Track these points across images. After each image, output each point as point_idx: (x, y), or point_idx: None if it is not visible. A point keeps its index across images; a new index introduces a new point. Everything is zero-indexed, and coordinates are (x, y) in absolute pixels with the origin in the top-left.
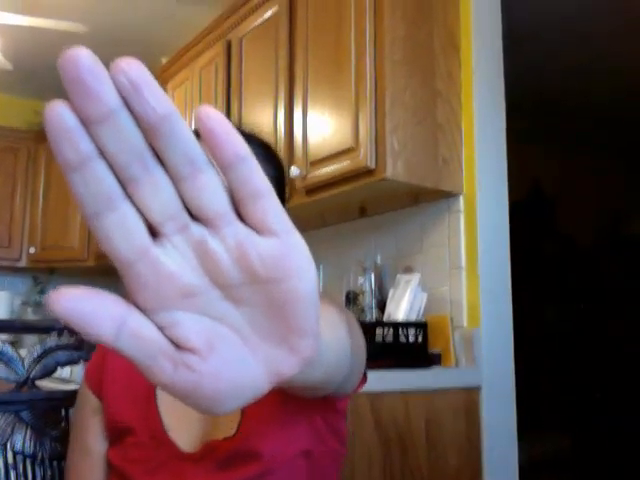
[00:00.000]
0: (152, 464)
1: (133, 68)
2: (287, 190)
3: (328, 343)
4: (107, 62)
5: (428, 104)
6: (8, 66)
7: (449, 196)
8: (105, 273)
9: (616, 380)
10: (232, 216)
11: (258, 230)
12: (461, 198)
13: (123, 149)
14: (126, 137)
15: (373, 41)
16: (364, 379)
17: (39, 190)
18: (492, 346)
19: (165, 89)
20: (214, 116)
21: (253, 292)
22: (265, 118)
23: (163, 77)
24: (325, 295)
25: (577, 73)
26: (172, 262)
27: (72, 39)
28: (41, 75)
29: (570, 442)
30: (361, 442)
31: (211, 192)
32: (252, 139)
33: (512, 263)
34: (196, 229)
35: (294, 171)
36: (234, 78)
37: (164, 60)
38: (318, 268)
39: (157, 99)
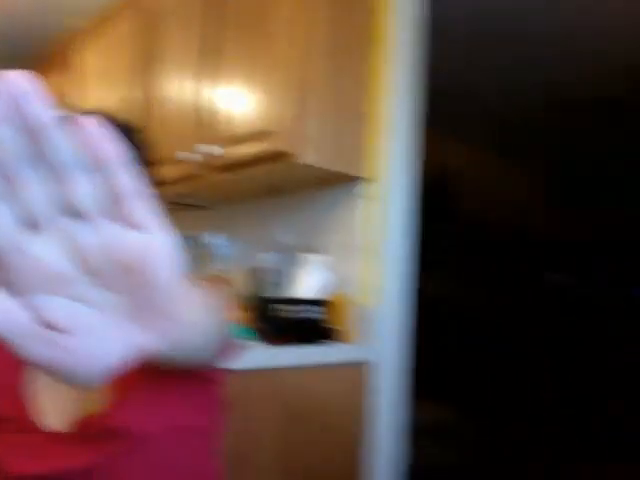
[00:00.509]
0: (23, 449)
1: (17, 83)
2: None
3: (197, 325)
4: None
5: (345, 90)
6: None
7: (358, 180)
8: None
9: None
10: (103, 213)
11: (127, 226)
12: (369, 183)
13: (2, 151)
14: (6, 142)
15: (294, 23)
16: (234, 353)
17: None
18: (391, 325)
19: (84, 54)
20: (90, 124)
21: (119, 279)
22: (186, 94)
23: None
24: (195, 280)
25: (500, 71)
26: (42, 252)
27: None
28: None
29: (455, 413)
30: (257, 416)
31: (82, 192)
32: (113, 122)
33: (421, 246)
34: (69, 224)
35: (212, 149)
36: (156, 50)
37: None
38: (232, 244)
39: (38, 112)
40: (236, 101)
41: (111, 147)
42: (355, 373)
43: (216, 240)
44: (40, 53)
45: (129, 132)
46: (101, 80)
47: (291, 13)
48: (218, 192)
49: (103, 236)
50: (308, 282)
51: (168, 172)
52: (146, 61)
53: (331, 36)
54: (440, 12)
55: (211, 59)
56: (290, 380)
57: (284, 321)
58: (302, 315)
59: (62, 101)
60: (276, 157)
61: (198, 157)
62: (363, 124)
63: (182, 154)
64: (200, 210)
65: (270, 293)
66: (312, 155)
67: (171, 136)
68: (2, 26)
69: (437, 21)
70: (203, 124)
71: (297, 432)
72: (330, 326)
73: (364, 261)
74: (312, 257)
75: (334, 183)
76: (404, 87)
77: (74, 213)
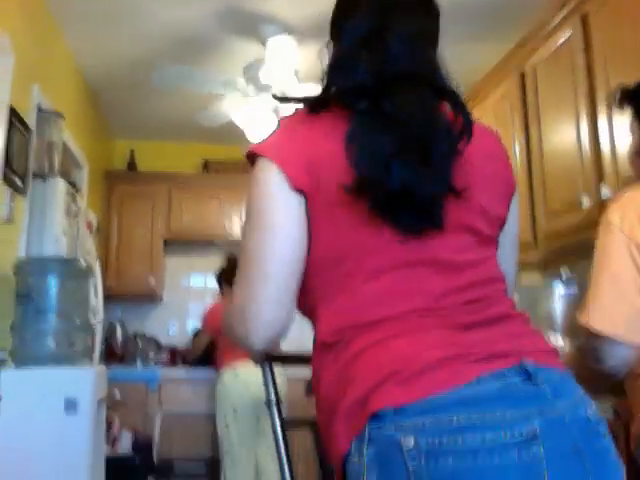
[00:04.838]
0: None
1: None
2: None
3: None
4: None
5: None
6: None
7: None
8: None
9: None
10: None
11: None
12: None
13: None
14: None
15: None
16: None
17: None
18: None
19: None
20: None
21: None
22: (567, 141)
23: None
24: None
25: None
26: None
27: None
28: None
29: None
30: None
31: None
32: None
33: None
34: None
35: (605, 192)
36: (531, 106)
37: None
38: None
39: None
40: (626, 138)
41: None
42: None
43: None
44: None
45: None
46: None
47: None
48: None
49: None
50: None
51: (567, 220)
52: (524, 117)
53: None
54: None
55: (600, 99)
56: None
57: None
58: None
59: None
60: None
61: (590, 202)
62: None
63: (584, 199)
64: None
65: None
66: None
67: (561, 186)
68: None
69: None
70: (595, 167)
71: None
72: None
73: None
74: None
75: None
76: None
77: None
